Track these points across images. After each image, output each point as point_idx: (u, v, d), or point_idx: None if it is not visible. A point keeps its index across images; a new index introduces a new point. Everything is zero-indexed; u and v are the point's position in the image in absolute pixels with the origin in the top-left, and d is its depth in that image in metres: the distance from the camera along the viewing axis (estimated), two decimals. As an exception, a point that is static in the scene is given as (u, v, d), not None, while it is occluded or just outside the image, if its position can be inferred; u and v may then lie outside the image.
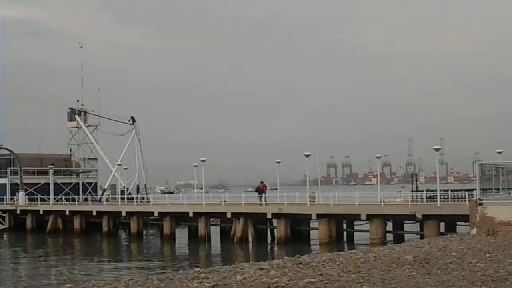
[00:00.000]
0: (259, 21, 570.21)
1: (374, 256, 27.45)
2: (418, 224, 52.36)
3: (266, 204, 62.50)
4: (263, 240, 59.55)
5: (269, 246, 57.99)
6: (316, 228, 55.84)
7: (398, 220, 54.17)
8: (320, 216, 54.26)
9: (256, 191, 66.86)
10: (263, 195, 63.75)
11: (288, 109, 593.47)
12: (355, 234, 57.04)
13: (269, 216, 58.10)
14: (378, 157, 66.56)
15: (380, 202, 56.29)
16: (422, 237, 47.51)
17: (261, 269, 24.68)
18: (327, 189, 72.89)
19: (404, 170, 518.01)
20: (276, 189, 65.67)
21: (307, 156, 61.89)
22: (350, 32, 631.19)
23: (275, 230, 58.93)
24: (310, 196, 61.46)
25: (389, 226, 53.91)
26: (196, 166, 69.22)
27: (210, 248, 58.39)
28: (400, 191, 76.47)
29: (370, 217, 51.43)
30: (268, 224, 60.54)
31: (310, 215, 55.61)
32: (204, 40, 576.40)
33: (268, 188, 67.21)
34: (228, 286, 20.87)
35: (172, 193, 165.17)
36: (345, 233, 57.94)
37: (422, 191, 68.31)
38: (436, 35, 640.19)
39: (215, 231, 64.10)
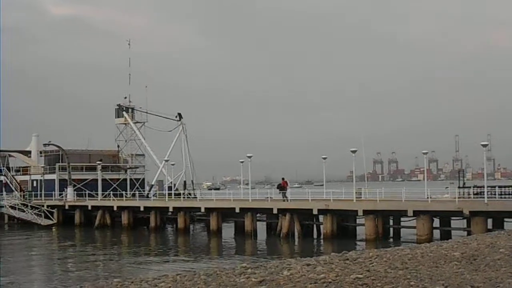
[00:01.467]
0: (303, 19, 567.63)
1: (421, 253, 27.40)
2: (465, 220, 51.93)
3: (286, 200, 63.56)
4: (309, 236, 59.54)
5: (315, 242, 57.95)
6: (363, 225, 55.70)
7: (445, 217, 53.78)
8: (366, 213, 54.13)
9: (278, 188, 67.73)
10: (285, 191, 64.92)
11: (332, 105, 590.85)
12: (402, 230, 56.78)
13: (315, 212, 58.06)
14: (424, 153, 65.97)
15: (427, 198, 55.93)
16: (469, 233, 47.19)
17: (308, 264, 24.78)
18: (373, 185, 72.52)
19: (451, 166, 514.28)
20: (322, 185, 65.65)
21: (354, 152, 61.74)
22: (398, 26, 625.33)
23: (321, 226, 58.92)
24: (356, 192, 61.32)
25: (436, 222, 53.55)
26: (242, 162, 69.41)
27: (256, 244, 58.55)
28: (448, 187, 75.73)
29: (416, 214, 51.17)
30: (314, 220, 60.57)
31: (356, 211, 55.44)
32: (252, 37, 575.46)
33: (289, 184, 68.86)
34: (275, 282, 20.97)
35: (218, 189, 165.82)
36: (391, 229, 57.71)
37: (469, 187, 67.61)
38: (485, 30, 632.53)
39: (261, 227, 64.31)
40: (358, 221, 58.11)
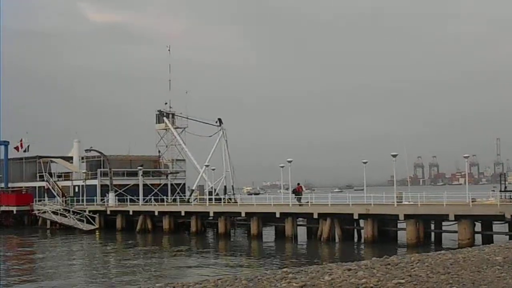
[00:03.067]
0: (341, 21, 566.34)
1: (463, 257, 27.26)
2: (507, 224, 51.50)
3: (301, 205, 65.77)
4: (349, 241, 59.37)
5: (355, 247, 57.79)
6: (404, 229, 55.42)
7: (487, 221, 53.32)
8: (407, 217, 53.86)
9: (293, 192, 68.96)
10: (300, 196, 67.90)
11: (371, 107, 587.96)
12: (443, 235, 56.44)
13: (356, 217, 57.93)
14: (466, 157, 65.62)
15: (469, 202, 55.53)
16: (511, 237, 46.80)
17: (349, 269, 24.77)
18: (414, 189, 72.13)
19: (492, 170, 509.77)
20: (362, 190, 65.56)
21: (394, 156, 61.54)
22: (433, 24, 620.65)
23: (362, 231, 58.81)
24: (397, 197, 61.14)
25: (478, 227, 53.15)
26: (282, 167, 69.53)
27: (297, 248, 58.54)
28: (493, 190, 75.02)
29: (458, 218, 50.80)
30: (355, 225, 60.43)
31: (397, 215, 55.24)
32: (290, 40, 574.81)
33: (304, 189, 71.64)
34: (316, 287, 21.00)
35: (258, 194, 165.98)
36: (432, 234, 57.38)
37: (511, 191, 67.03)
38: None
39: (302, 231, 64.31)
40: (399, 225, 57.85)
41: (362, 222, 58.52)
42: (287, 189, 78.25)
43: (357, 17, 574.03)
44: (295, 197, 68.34)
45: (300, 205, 66.57)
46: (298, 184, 70.07)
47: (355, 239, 60.55)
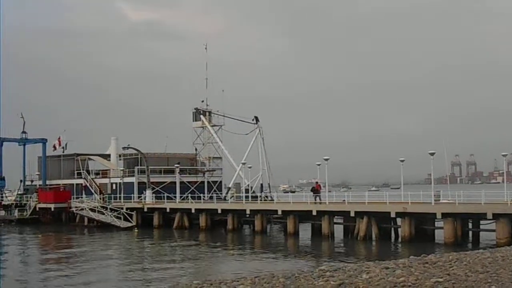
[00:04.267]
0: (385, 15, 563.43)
1: (502, 256, 27.09)
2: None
3: (320, 203, 66.95)
4: (386, 239, 59.18)
5: (392, 245, 57.57)
6: (441, 228, 55.09)
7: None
8: (445, 215, 53.53)
9: (312, 191, 70.85)
10: (319, 194, 69.57)
11: (409, 104, 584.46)
12: (481, 233, 56.01)
13: (393, 215, 57.74)
14: (504, 155, 65.02)
15: (507, 201, 55.04)
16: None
17: (387, 268, 24.73)
18: (451, 188, 71.58)
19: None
20: (399, 188, 65.26)
21: (432, 154, 61.16)
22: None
23: (399, 229, 58.55)
24: (434, 195, 60.78)
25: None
26: (319, 165, 69.46)
27: (334, 246, 58.44)
28: None
29: (496, 217, 50.38)
30: (392, 223, 60.19)
31: (434, 214, 54.93)
32: (326, 37, 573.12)
33: (322, 188, 72.75)
34: (354, 285, 21.00)
35: (293, 192, 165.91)
36: (470, 232, 56.97)
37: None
38: None
39: (339, 230, 64.18)
40: (436, 224, 57.49)
41: (399, 221, 58.23)
42: (324, 187, 78.19)
43: (394, 11, 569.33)
44: (313, 195, 69.76)
45: (319, 203, 67.43)
46: (317, 182, 72.06)
47: (392, 238, 60.32)
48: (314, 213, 63.44)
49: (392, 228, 60.77)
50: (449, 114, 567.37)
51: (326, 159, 67.44)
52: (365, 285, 20.78)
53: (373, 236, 58.76)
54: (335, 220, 63.95)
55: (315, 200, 68.94)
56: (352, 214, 60.37)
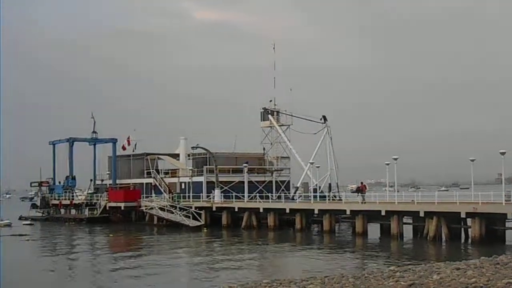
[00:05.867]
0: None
1: None
2: None
3: (364, 203, 69.50)
4: (456, 240, 58.54)
5: (462, 246, 56.96)
6: (512, 228, 54.48)
7: None
8: (516, 216, 52.84)
9: (356, 191, 73.59)
10: (363, 194, 72.09)
11: (481, 103, 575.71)
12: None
13: (463, 215, 57.16)
14: None
15: None
16: None
17: (458, 268, 24.57)
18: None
19: None
20: (468, 188, 64.54)
21: (503, 153, 60.29)
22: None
23: (469, 230, 57.94)
24: (505, 195, 59.96)
25: None
26: (388, 164, 69.08)
27: (403, 247, 58.14)
28: None
29: None
30: (462, 224, 59.55)
31: (505, 214, 54.21)
32: (403, 38, 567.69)
33: (367, 188, 75.90)
34: (425, 286, 20.92)
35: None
36: (542, 233, 56.18)
37: None
38: None
39: (408, 230, 63.77)
40: (507, 224, 56.76)
41: (469, 221, 57.64)
42: (391, 186, 77.75)
43: (462, 11, 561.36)
44: (358, 195, 72.18)
45: (364, 202, 69.55)
46: (362, 183, 74.09)
47: (462, 238, 59.68)
48: (383, 213, 63.21)
49: (462, 229, 60.12)
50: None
51: (395, 159, 67.03)
52: (436, 286, 20.68)
53: (443, 236, 58.28)
54: (404, 220, 63.62)
55: (363, 200, 70.93)
56: (422, 214, 59.97)
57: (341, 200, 78.64)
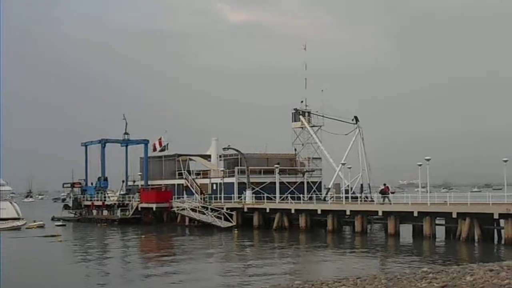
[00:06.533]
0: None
1: None
2: None
3: (389, 203, 70.94)
4: (489, 241, 58.17)
5: (495, 247, 56.59)
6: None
7: None
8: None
9: (380, 192, 74.12)
10: (387, 196, 73.47)
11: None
12: None
13: (496, 217, 56.75)
14: None
15: None
16: None
17: (491, 270, 24.39)
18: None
19: None
20: (501, 189, 64.08)
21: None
22: None
23: (502, 231, 57.52)
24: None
25: None
26: (420, 165, 68.76)
27: (435, 248, 57.89)
28: None
29: None
30: (495, 225, 59.12)
31: (539, 215, 53.80)
32: (433, 37, 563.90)
33: (390, 190, 77.52)
34: (458, 287, 20.79)
35: (393, 192, 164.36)
36: None
37: None
38: None
39: (440, 231, 63.46)
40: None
41: (502, 222, 57.22)
42: (424, 187, 77.33)
43: (503, 10, 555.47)
44: (381, 197, 73.17)
45: (389, 203, 70.72)
46: (385, 184, 75.33)
47: (495, 240, 59.28)
48: (416, 214, 62.95)
49: (495, 230, 59.70)
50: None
51: (428, 159, 66.66)
52: (469, 288, 20.58)
53: (476, 237, 57.92)
54: (436, 221, 63.32)
55: (383, 201, 72.02)
56: (454, 216, 59.67)
57: (373, 201, 78.44)
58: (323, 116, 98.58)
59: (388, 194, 72.84)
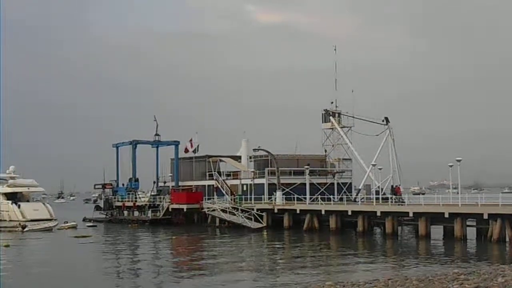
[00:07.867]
0: None
1: None
2: None
3: (400, 204, 72.85)
4: (521, 242, 57.94)
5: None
6: None
7: None
8: None
9: (391, 193, 76.03)
10: (399, 196, 76.73)
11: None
12: None
13: (528, 218, 56.54)
14: None
15: None
16: None
17: (523, 271, 24.35)
18: None
19: None
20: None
21: None
22: None
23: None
24: None
25: None
26: (451, 166, 68.49)
27: (466, 249, 57.68)
28: None
29: None
30: (527, 226, 58.81)
31: None
32: (460, 35, 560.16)
33: (402, 190, 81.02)
34: (490, 288, 20.80)
35: (423, 194, 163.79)
36: None
37: None
38: None
39: (471, 232, 63.20)
40: None
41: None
42: (455, 188, 77.05)
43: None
44: (393, 197, 74.97)
45: (399, 204, 72.84)
46: (397, 186, 78.76)
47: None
48: (446, 215, 62.72)
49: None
50: None
51: (458, 160, 66.39)
52: (501, 289, 20.57)
53: (507, 239, 57.65)
54: (467, 223, 63.05)
55: (395, 201, 73.90)
56: (485, 217, 59.37)
57: (404, 202, 78.20)
58: (353, 117, 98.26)
59: (400, 194, 74.55)
